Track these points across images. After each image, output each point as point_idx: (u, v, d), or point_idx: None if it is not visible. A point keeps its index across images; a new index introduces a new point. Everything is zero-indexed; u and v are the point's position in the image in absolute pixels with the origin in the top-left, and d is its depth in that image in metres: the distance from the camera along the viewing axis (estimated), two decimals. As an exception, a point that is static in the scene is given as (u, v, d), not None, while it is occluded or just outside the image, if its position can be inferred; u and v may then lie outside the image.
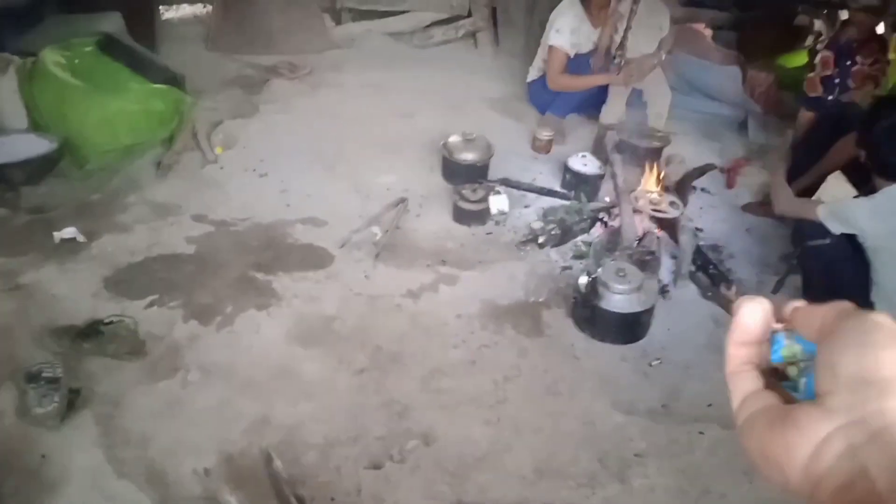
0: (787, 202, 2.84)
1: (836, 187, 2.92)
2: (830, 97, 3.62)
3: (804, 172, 3.29)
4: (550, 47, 3.96)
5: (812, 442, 0.40)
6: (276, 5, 4.88)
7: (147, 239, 2.93)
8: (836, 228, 2.50)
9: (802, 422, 0.41)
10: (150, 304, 2.57)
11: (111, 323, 2.33)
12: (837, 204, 2.61)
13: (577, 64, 4.01)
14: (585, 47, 4.05)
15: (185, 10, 5.72)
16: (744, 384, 0.47)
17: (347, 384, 2.34)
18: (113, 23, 4.06)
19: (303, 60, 4.78)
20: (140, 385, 2.24)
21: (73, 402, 2.10)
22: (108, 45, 3.61)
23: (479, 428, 2.24)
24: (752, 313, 0.47)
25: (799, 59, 4.86)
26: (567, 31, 3.92)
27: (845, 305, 0.43)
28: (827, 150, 3.20)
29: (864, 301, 2.52)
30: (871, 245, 2.46)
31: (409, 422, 2.22)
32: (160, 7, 5.29)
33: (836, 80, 3.61)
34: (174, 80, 3.73)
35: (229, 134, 3.77)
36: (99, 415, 2.12)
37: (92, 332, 2.30)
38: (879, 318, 0.41)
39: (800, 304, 0.46)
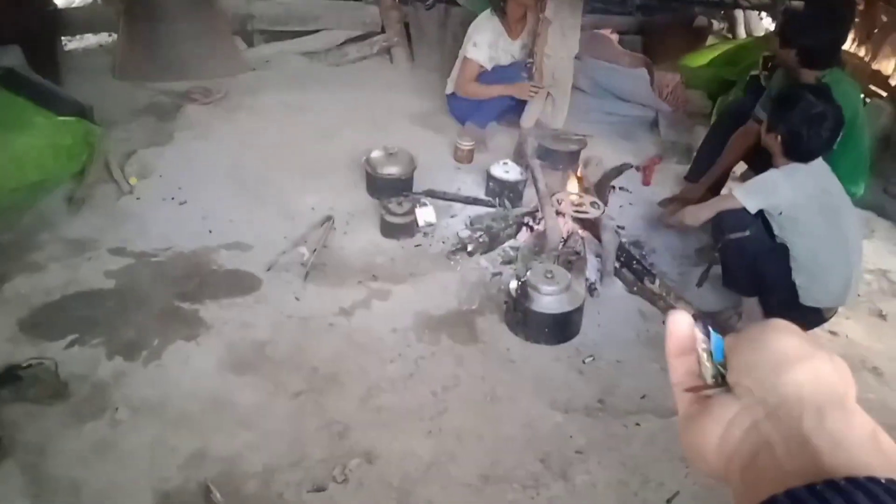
0: (698, 211, 2.91)
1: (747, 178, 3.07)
2: None
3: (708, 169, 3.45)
4: (465, 58, 4.03)
5: (721, 424, 0.45)
6: (184, 30, 4.77)
7: (63, 277, 2.81)
8: (756, 204, 2.62)
9: (714, 408, 0.46)
10: (71, 344, 2.46)
11: (29, 366, 2.22)
12: (751, 181, 2.74)
13: (500, 75, 4.08)
14: (504, 60, 4.13)
15: (90, 39, 5.52)
16: (683, 396, 0.51)
17: (285, 409, 2.30)
18: (13, 56, 3.88)
19: (216, 85, 4.69)
20: (66, 429, 2.14)
21: (-7, 453, 1.99)
22: (9, 80, 3.44)
23: (421, 441, 2.23)
24: (680, 323, 0.52)
25: (701, 58, 5.08)
26: (485, 46, 4.00)
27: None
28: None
29: (787, 285, 2.64)
30: (788, 216, 2.60)
31: (350, 441, 2.20)
32: (62, 38, 5.10)
33: None
34: (82, 112, 3.59)
35: (144, 163, 3.66)
36: (24, 464, 2.02)
37: (9, 377, 2.19)
38: (772, 320, 0.47)
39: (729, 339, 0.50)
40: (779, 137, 2.60)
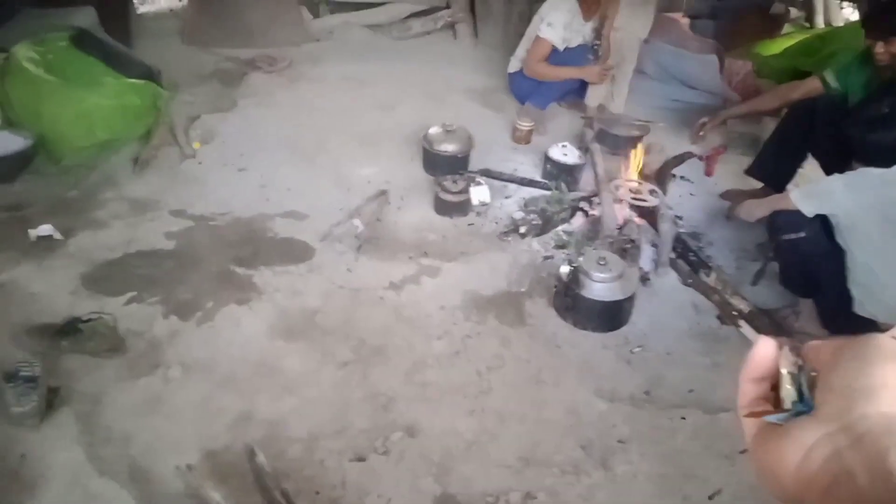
0: (755, 207, 2.82)
1: (813, 175, 2.95)
2: None
3: (773, 170, 3.33)
4: (537, 38, 3.95)
5: (802, 448, 0.43)
6: (252, -1, 4.83)
7: (125, 235, 2.90)
8: (811, 209, 2.51)
9: (794, 431, 0.44)
10: (130, 301, 2.55)
11: (90, 320, 2.31)
12: (810, 185, 2.62)
13: (566, 57, 4.00)
14: (575, 41, 4.04)
15: (161, 3, 5.65)
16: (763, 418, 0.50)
17: (331, 378, 2.34)
18: (86, 17, 4.00)
19: (281, 54, 4.75)
20: (120, 382, 2.22)
21: (52, 400, 2.07)
22: (82, 40, 3.55)
23: (464, 419, 2.24)
24: (765, 349, 0.51)
25: (776, 47, 4.89)
26: (560, 26, 3.91)
27: (852, 338, 0.47)
28: (799, 145, 3.22)
29: (841, 291, 2.54)
30: (845, 224, 2.48)
31: (393, 414, 2.23)
32: (135, 1, 5.22)
33: None
34: (150, 75, 3.68)
35: (207, 128, 3.74)
36: (79, 413, 2.10)
37: (70, 329, 2.27)
38: (877, 338, 0.45)
39: (815, 343, 0.49)
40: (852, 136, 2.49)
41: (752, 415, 0.49)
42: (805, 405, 0.46)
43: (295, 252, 2.91)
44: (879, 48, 2.80)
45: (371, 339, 2.51)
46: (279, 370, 2.34)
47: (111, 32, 4.04)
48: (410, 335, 2.55)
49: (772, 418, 0.48)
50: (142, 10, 5.42)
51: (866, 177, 2.44)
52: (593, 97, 4.09)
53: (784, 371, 0.49)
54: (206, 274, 2.72)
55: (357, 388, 2.31)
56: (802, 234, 2.57)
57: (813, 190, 2.57)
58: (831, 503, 0.41)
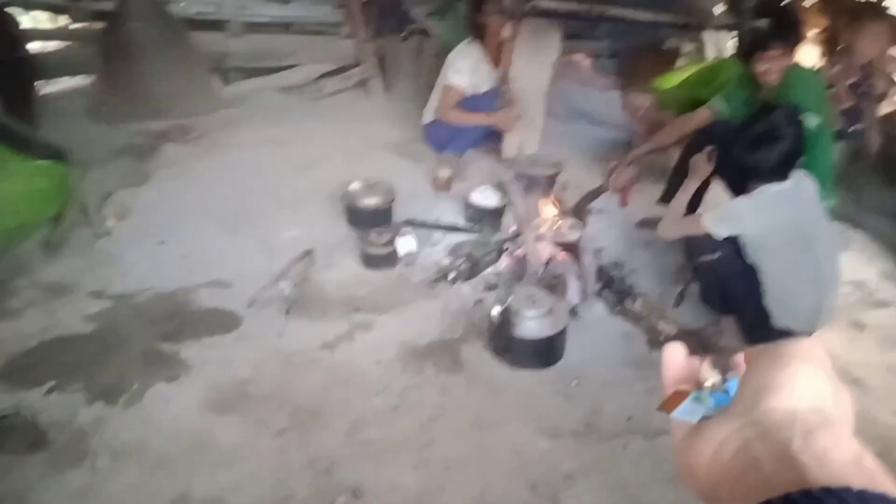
0: (672, 226, 2.94)
1: (718, 195, 3.10)
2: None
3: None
4: (446, 86, 4.06)
5: (713, 443, 0.47)
6: (159, 70, 4.78)
7: (40, 322, 2.77)
8: (723, 232, 2.63)
9: (707, 428, 0.48)
10: (50, 391, 2.42)
11: (5, 417, 2.18)
12: (720, 208, 2.75)
13: (476, 103, 4.11)
14: (483, 87, 4.15)
15: (66, 82, 5.53)
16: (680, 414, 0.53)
17: (268, 447, 2.27)
18: (-14, 102, 3.88)
19: (193, 123, 4.71)
20: (46, 478, 2.10)
21: (-30, 507, 1.94)
22: (-17, 126, 3.44)
23: (409, 473, 2.21)
24: (675, 353, 0.57)
25: (673, 80, 5.16)
26: (466, 72, 4.03)
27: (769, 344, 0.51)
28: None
29: (758, 306, 2.65)
30: (754, 245, 2.60)
31: (336, 477, 2.18)
32: (38, 82, 5.10)
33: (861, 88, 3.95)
34: (58, 155, 3.57)
35: (122, 204, 3.65)
36: (1, 517, 1.98)
37: (-14, 429, 2.15)
38: (787, 343, 0.50)
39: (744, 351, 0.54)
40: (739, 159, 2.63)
41: (663, 406, 0.53)
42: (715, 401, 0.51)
43: (222, 322, 2.85)
44: (762, 67, 2.99)
45: (307, 403, 2.46)
46: (214, 446, 2.26)
47: (14, 115, 3.92)
48: (348, 394, 2.52)
49: (679, 413, 0.51)
50: (46, 90, 5.29)
51: (767, 196, 2.58)
52: (509, 146, 4.21)
53: (705, 381, 0.52)
54: (130, 354, 2.63)
55: (296, 454, 2.25)
56: (717, 256, 2.69)
57: (722, 213, 2.69)
58: (741, 491, 0.43)
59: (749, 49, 3.07)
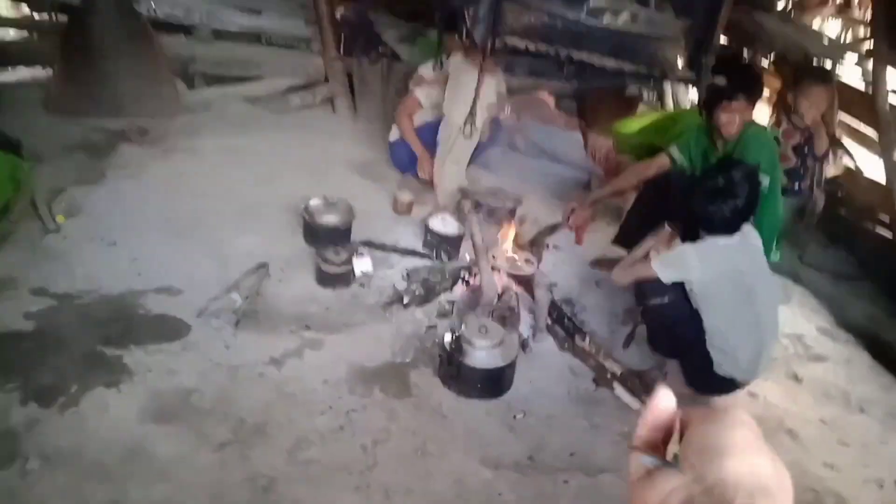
0: (624, 271, 3.02)
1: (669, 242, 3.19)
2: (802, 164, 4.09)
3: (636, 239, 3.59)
4: (410, 92, 4.22)
5: (661, 494, 0.50)
6: (122, 68, 4.69)
7: (-23, 317, 2.67)
8: (669, 277, 2.71)
9: (657, 479, 0.52)
10: (-19, 389, 2.33)
11: (-67, 412, 2.09)
12: (668, 253, 2.84)
13: (422, 133, 4.17)
14: (429, 116, 4.21)
15: (23, 72, 5.38)
16: (639, 459, 0.56)
17: (208, 461, 2.22)
18: (-63, 85, 3.76)
19: (154, 125, 4.62)
20: (-31, 480, 2.01)
21: None
22: (-68, 110, 3.32)
23: (349, 496, 2.19)
24: (665, 403, 0.58)
25: (632, 126, 5.31)
26: (426, 89, 4.18)
27: (714, 408, 0.57)
28: (655, 215, 3.50)
29: (703, 352, 2.73)
30: (698, 292, 2.69)
31: (274, 496, 2.14)
32: (-7, 69, 4.96)
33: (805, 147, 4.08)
34: (9, 146, 3.48)
35: (73, 201, 3.55)
36: (-83, 518, 1.88)
37: None
38: (732, 411, 0.54)
39: (690, 410, 0.58)
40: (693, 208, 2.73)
41: (636, 448, 0.56)
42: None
43: (169, 329, 2.79)
44: (724, 118, 3.11)
45: (251, 418, 2.42)
46: (151, 455, 2.20)
47: (-35, 102, 3.81)
48: (293, 411, 2.49)
49: (647, 460, 0.54)
50: (1, 78, 5.14)
51: (714, 247, 2.67)
52: (439, 193, 4.19)
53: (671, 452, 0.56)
54: (70, 356, 2.54)
55: (235, 470, 2.21)
56: (665, 300, 2.77)
57: (670, 259, 2.78)
58: None
59: (712, 100, 3.19)
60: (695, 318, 2.72)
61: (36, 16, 5.61)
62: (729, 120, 3.10)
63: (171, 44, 5.13)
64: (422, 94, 4.17)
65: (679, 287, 2.73)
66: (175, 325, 2.81)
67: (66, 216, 3.40)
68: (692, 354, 2.78)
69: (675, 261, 2.74)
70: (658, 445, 0.57)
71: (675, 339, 2.83)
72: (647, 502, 0.51)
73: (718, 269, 2.65)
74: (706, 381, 2.79)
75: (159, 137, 4.48)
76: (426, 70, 4.27)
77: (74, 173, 3.84)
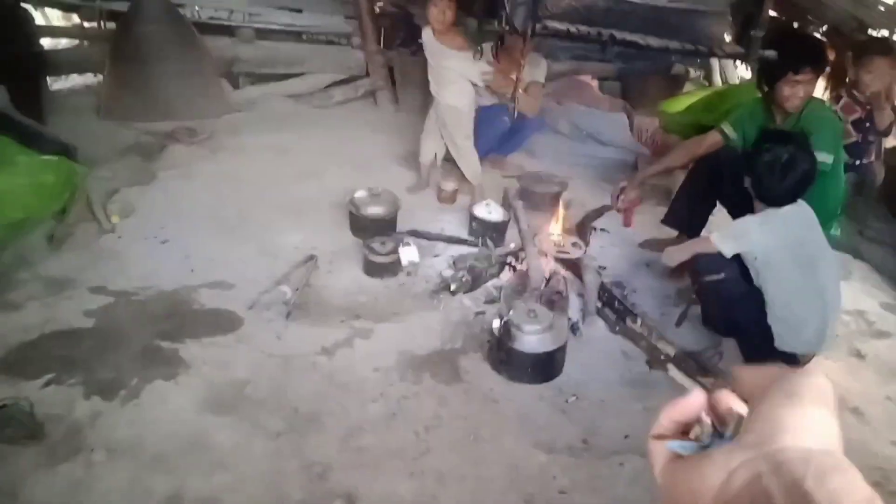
0: (677, 252, 2.97)
1: (724, 221, 3.13)
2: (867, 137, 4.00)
3: (686, 219, 3.51)
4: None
5: (725, 470, 0.47)
6: (170, 72, 4.82)
7: (41, 315, 2.77)
8: (730, 249, 2.65)
9: (717, 456, 0.48)
10: (47, 384, 2.42)
11: (4, 406, 2.17)
12: (728, 226, 2.79)
13: (483, 116, 4.13)
14: (489, 101, 4.18)
15: (76, 80, 5.57)
16: (664, 447, 0.54)
17: (263, 450, 2.26)
18: (-3, 96, 3.91)
19: (201, 125, 4.73)
20: (39, 470, 2.08)
21: (-37, 496, 1.93)
22: (-7, 120, 3.46)
23: (403, 482, 2.20)
24: (695, 401, 0.55)
25: (679, 104, 5.20)
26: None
27: (782, 369, 0.52)
28: (707, 194, 3.42)
29: (761, 329, 2.66)
30: (762, 261, 2.63)
31: (330, 483, 2.17)
32: (48, 78, 5.13)
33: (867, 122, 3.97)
34: (66, 151, 3.60)
35: (127, 202, 3.66)
36: (-8, 508, 1.96)
37: (-17, 418, 2.14)
38: (809, 379, 0.50)
39: (744, 368, 0.54)
40: (748, 180, 2.68)
41: (661, 437, 0.54)
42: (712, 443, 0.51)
43: (222, 323, 2.85)
44: (787, 91, 3.01)
45: (304, 407, 2.45)
46: (210, 446, 2.25)
47: (24, 110, 3.95)
48: (345, 400, 2.51)
49: (678, 445, 0.52)
50: (56, 86, 5.32)
51: (775, 216, 2.62)
52: (424, 152, 4.14)
53: (705, 418, 0.53)
54: (129, 351, 2.62)
55: (291, 458, 2.24)
56: (722, 276, 2.71)
57: (730, 231, 2.73)
58: None
59: (775, 73, 3.08)
60: (753, 295, 2.66)
61: (86, 24, 5.79)
62: (793, 93, 3.01)
63: (215, 45, 5.23)
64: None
65: (736, 263, 2.67)
66: (228, 319, 2.87)
67: (120, 216, 3.51)
68: (751, 331, 2.71)
69: (735, 231, 2.70)
70: (678, 435, 0.54)
71: (732, 316, 2.76)
72: (705, 483, 0.47)
73: (781, 238, 2.60)
74: (766, 358, 2.72)
75: (207, 137, 4.58)
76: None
77: (127, 175, 3.96)
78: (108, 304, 2.88)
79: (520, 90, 3.95)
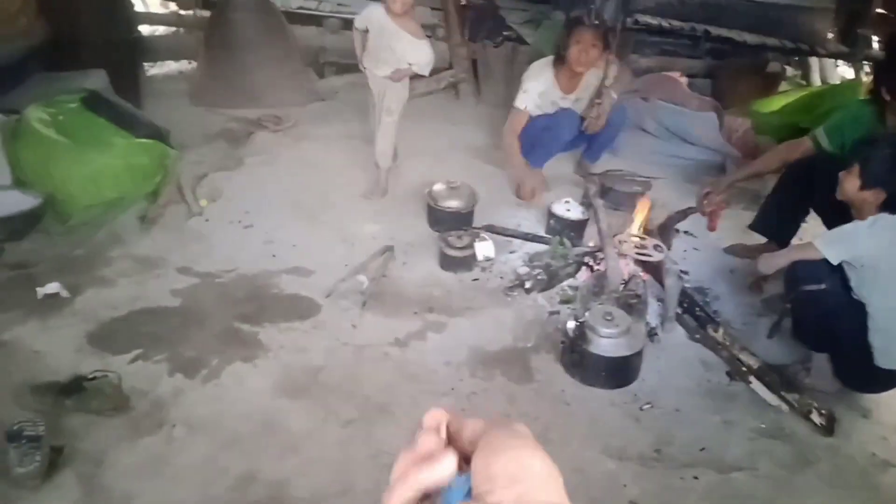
0: (777, 257, 2.85)
1: (816, 230, 2.97)
2: None
3: (776, 225, 3.36)
4: (513, 108, 4.01)
5: None
6: (259, 60, 4.95)
7: (131, 293, 2.90)
8: (836, 254, 2.52)
9: None
10: (135, 359, 2.53)
11: (94, 378, 2.28)
12: (833, 231, 2.65)
13: (547, 120, 4.04)
14: (551, 111, 4.08)
15: (170, 66, 5.79)
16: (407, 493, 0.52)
17: (335, 436, 2.30)
18: (98, 80, 4.10)
19: (286, 113, 4.84)
20: (123, 442, 2.18)
21: (54, 460, 2.04)
22: (93, 102, 3.63)
23: (471, 478, 2.19)
24: (435, 417, 0.54)
25: (773, 104, 4.97)
26: (534, 94, 3.96)
27: (488, 421, 0.53)
28: (800, 200, 3.26)
29: (860, 344, 2.51)
30: (869, 266, 2.47)
31: (398, 473, 2.18)
32: (145, 64, 5.36)
33: None
34: (159, 135, 3.75)
35: (214, 186, 3.78)
36: (81, 474, 2.06)
37: (75, 388, 2.25)
38: (517, 427, 0.52)
39: (451, 416, 0.54)
40: (880, 194, 2.55)
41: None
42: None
43: (300, 308, 2.91)
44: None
45: (375, 397, 2.48)
46: (283, 429, 2.31)
47: (121, 94, 4.13)
48: (415, 392, 2.53)
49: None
50: (152, 72, 5.55)
51: (885, 220, 2.48)
52: (380, 153, 3.92)
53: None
54: (211, 331, 2.71)
55: (361, 446, 2.27)
56: (823, 286, 2.56)
57: (836, 236, 2.60)
58: None
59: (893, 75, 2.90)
60: (852, 307, 2.51)
61: (182, 12, 6.01)
62: None
63: (303, 34, 5.34)
64: (527, 101, 3.98)
65: (837, 274, 2.54)
66: (306, 305, 2.93)
67: (208, 200, 3.63)
68: (847, 347, 2.56)
69: (842, 236, 2.56)
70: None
71: (828, 330, 2.60)
72: None
73: (891, 244, 2.44)
74: (862, 376, 2.58)
75: (292, 125, 4.68)
76: (530, 83, 4.00)
77: (215, 160, 4.10)
78: (193, 285, 2.99)
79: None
